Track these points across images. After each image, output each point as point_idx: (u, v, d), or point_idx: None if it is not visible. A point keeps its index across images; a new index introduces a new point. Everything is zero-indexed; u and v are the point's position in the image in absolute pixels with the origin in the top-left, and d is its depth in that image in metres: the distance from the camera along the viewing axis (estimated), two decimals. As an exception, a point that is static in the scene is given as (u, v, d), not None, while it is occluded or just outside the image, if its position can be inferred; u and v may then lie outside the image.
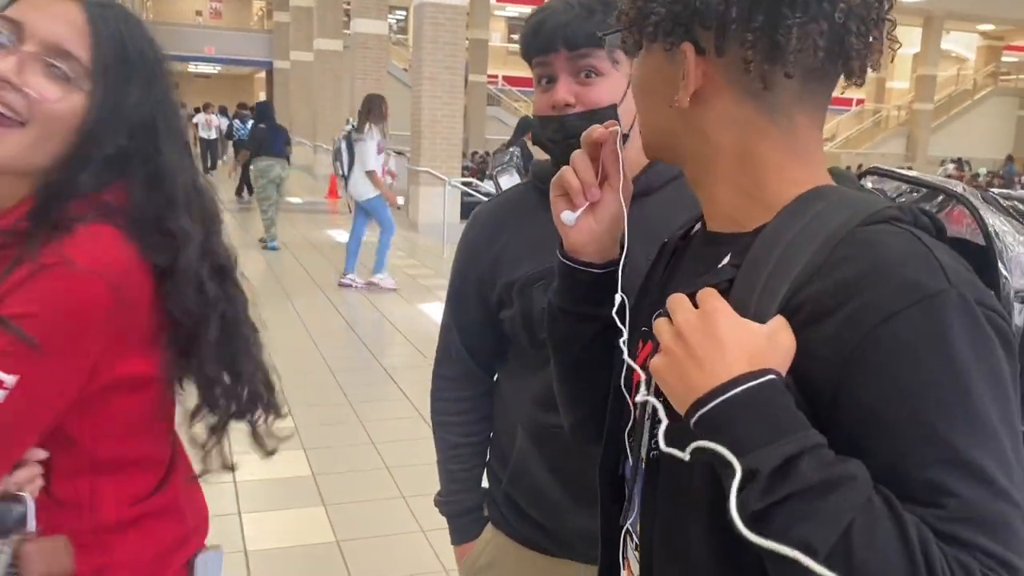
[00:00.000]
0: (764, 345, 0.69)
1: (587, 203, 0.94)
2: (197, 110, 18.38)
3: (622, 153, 0.93)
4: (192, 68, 31.39)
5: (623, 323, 0.89)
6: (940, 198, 0.84)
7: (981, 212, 0.80)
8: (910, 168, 1.17)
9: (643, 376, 0.83)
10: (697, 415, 0.68)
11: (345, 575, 3.01)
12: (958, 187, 0.84)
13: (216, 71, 32.90)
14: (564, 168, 0.95)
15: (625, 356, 0.86)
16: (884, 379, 0.66)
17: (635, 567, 0.90)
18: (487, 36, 23.93)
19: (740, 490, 0.64)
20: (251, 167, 9.96)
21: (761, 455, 0.64)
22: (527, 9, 19.29)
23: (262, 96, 28.59)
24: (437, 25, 11.83)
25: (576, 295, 0.98)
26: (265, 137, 9.77)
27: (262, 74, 31.74)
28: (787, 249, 0.73)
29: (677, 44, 0.78)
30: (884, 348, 0.66)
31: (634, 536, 0.90)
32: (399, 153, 13.21)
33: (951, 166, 21.73)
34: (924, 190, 0.86)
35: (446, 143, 12.16)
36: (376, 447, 3.98)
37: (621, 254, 0.96)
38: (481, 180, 13.35)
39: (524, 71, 1.45)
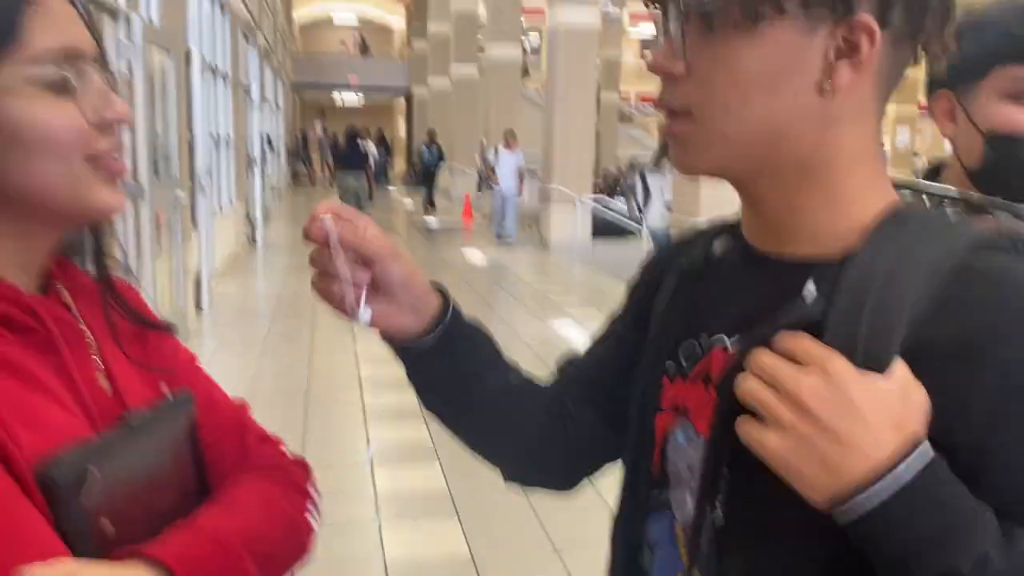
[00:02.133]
0: (901, 406, 0.59)
1: (362, 290, 0.76)
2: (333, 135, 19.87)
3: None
4: (338, 102, 33.27)
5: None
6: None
7: None
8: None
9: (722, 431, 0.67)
10: (861, 509, 0.58)
11: (479, 588, 3.06)
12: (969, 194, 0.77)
13: (360, 104, 34.59)
14: (313, 276, 0.77)
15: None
16: None
17: None
18: (620, 56, 23.94)
19: None
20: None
21: (956, 552, 0.57)
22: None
23: (401, 122, 29.53)
24: (570, 49, 11.96)
25: (435, 369, 0.89)
26: (340, 153, 13.22)
27: (401, 101, 32.95)
28: (890, 282, 0.62)
29: (848, 14, 0.63)
30: None
31: None
32: (530, 172, 13.40)
33: None
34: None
35: (577, 161, 12.23)
36: (509, 463, 4.04)
37: (444, 301, 0.84)
38: (612, 197, 13.33)
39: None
